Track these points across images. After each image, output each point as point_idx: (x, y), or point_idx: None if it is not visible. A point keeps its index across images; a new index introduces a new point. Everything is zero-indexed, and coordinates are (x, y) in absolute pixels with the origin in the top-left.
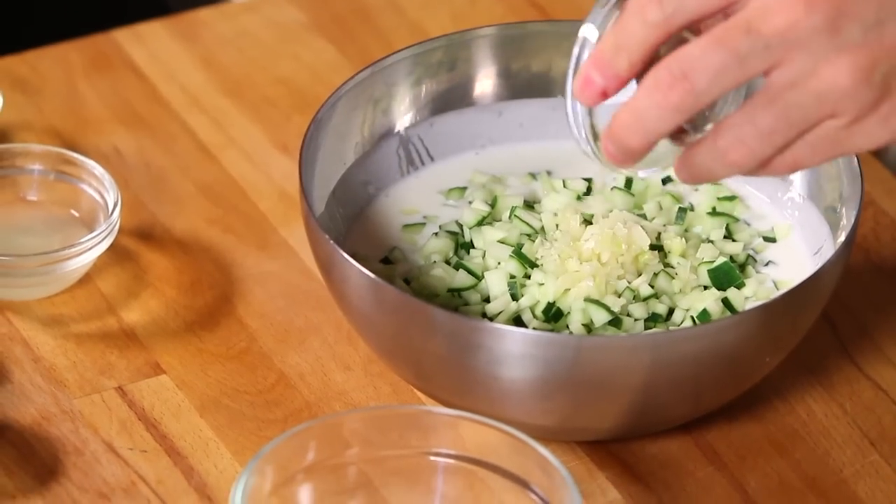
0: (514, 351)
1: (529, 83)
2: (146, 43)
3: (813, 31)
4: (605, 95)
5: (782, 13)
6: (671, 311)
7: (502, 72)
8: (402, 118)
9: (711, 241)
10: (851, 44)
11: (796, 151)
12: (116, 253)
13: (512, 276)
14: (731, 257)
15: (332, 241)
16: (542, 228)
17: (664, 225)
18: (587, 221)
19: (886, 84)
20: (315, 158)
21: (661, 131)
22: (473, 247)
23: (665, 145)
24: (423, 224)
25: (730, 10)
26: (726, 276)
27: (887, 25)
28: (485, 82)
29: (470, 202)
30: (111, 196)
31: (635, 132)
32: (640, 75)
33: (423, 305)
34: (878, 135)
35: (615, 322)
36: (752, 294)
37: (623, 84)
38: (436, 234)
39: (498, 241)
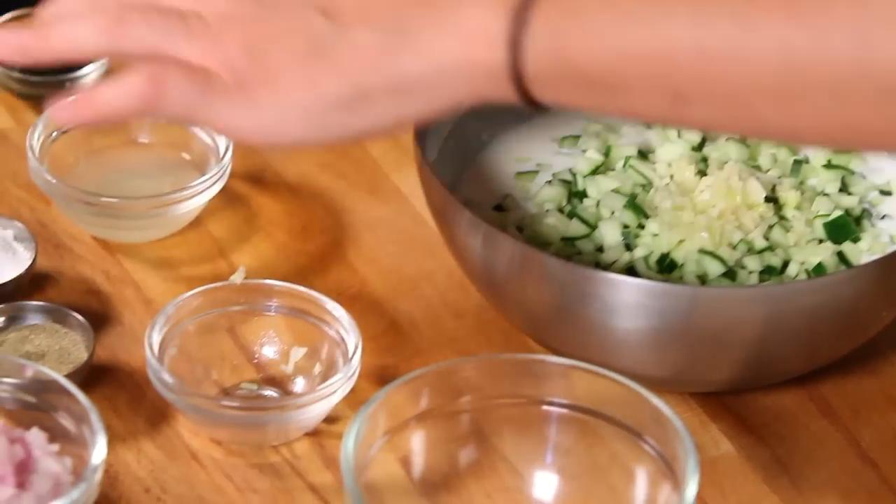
0: (629, 301)
1: None
2: None
3: None
4: None
5: None
6: (786, 264)
7: None
8: None
9: (827, 195)
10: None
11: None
12: (227, 196)
13: (626, 226)
14: (846, 210)
15: (445, 188)
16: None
17: (779, 177)
18: (702, 172)
19: (264, 57)
20: None
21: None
22: (587, 196)
23: None
24: (536, 172)
25: None
26: (842, 229)
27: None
28: None
29: (583, 151)
30: (223, 139)
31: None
32: None
33: (536, 254)
34: (244, 107)
35: (729, 274)
36: (868, 248)
37: None
38: (549, 182)
39: (612, 191)
